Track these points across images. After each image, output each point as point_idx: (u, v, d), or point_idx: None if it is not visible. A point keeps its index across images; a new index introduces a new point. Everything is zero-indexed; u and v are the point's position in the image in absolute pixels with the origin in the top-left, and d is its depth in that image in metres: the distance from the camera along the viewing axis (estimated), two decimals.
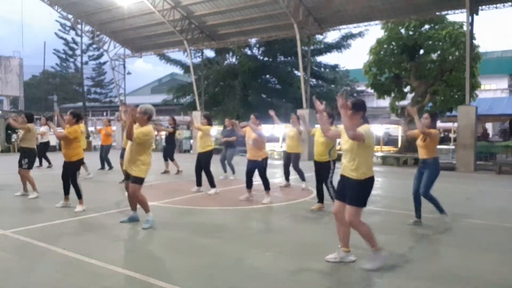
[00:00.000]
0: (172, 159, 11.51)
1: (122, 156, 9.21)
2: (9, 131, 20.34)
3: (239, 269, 3.90)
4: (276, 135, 23.01)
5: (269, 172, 7.62)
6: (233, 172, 10.64)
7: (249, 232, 5.40)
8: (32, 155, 7.61)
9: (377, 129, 22.36)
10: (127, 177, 5.42)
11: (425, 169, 5.50)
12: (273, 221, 6.27)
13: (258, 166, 7.15)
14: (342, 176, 3.94)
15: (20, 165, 7.48)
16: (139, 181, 5.29)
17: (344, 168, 3.89)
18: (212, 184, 8.10)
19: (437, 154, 5.58)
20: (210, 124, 8.39)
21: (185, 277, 3.67)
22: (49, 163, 12.95)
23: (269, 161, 7.48)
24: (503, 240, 5.10)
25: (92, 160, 10.65)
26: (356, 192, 3.78)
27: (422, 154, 5.56)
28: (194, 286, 3.48)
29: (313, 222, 5.92)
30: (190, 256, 4.28)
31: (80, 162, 6.62)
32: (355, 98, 4.50)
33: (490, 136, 23.47)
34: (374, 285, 3.54)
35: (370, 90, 20.50)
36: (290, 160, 9.04)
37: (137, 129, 5.22)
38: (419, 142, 5.56)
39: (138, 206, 5.50)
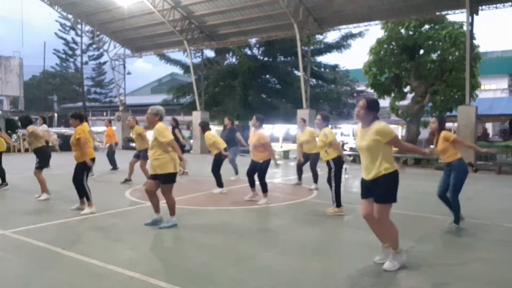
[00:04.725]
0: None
1: (136, 156, 9.51)
2: (9, 131, 20.26)
3: (239, 269, 3.90)
4: (276, 135, 23.06)
5: (269, 172, 7.62)
6: (236, 172, 10.48)
7: (250, 232, 5.39)
8: (43, 154, 7.49)
9: None
10: (153, 177, 5.26)
11: (451, 171, 5.33)
12: (274, 221, 6.27)
13: (257, 167, 7.16)
14: (364, 180, 3.88)
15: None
16: (170, 178, 5.22)
17: (367, 172, 3.81)
18: (219, 184, 8.19)
19: (460, 155, 5.32)
20: (206, 130, 8.49)
21: (185, 277, 3.67)
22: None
23: None
24: (503, 240, 5.10)
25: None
26: (384, 189, 3.74)
27: (444, 159, 5.40)
28: (194, 286, 3.48)
29: (313, 222, 5.91)
30: (191, 256, 4.28)
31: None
32: (368, 97, 4.45)
33: (490, 136, 23.48)
34: (374, 285, 3.54)
35: (370, 90, 20.46)
36: (308, 160, 8.99)
37: (154, 131, 5.15)
38: (435, 149, 5.47)
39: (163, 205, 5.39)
